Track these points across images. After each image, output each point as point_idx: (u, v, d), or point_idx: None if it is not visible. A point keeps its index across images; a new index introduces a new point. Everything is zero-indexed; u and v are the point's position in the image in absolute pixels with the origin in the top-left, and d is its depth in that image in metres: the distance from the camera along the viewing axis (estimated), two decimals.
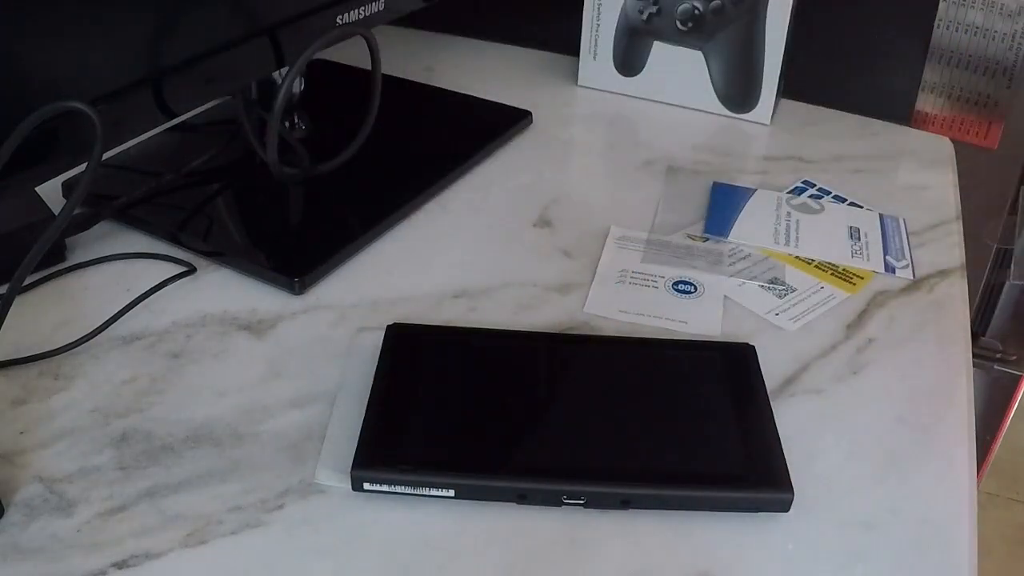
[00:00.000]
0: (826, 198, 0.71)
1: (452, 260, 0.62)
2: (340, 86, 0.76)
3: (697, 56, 0.80)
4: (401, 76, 0.83)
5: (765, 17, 0.77)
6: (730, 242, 0.65)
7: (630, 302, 0.59)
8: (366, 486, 0.44)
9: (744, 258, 0.64)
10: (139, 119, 0.57)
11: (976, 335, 0.95)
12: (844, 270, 0.63)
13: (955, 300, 0.61)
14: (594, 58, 0.84)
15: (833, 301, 0.60)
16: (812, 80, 0.84)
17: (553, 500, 0.45)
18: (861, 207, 0.70)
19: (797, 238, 0.66)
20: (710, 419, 0.48)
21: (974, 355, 0.57)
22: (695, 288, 0.61)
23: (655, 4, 0.80)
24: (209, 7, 0.58)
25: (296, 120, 0.73)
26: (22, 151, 0.47)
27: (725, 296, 0.60)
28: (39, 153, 0.50)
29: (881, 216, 0.69)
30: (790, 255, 0.64)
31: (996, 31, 0.78)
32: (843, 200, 0.71)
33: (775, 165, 0.76)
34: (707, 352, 0.53)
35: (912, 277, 0.63)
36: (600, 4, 0.82)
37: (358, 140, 0.68)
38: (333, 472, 0.46)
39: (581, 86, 0.85)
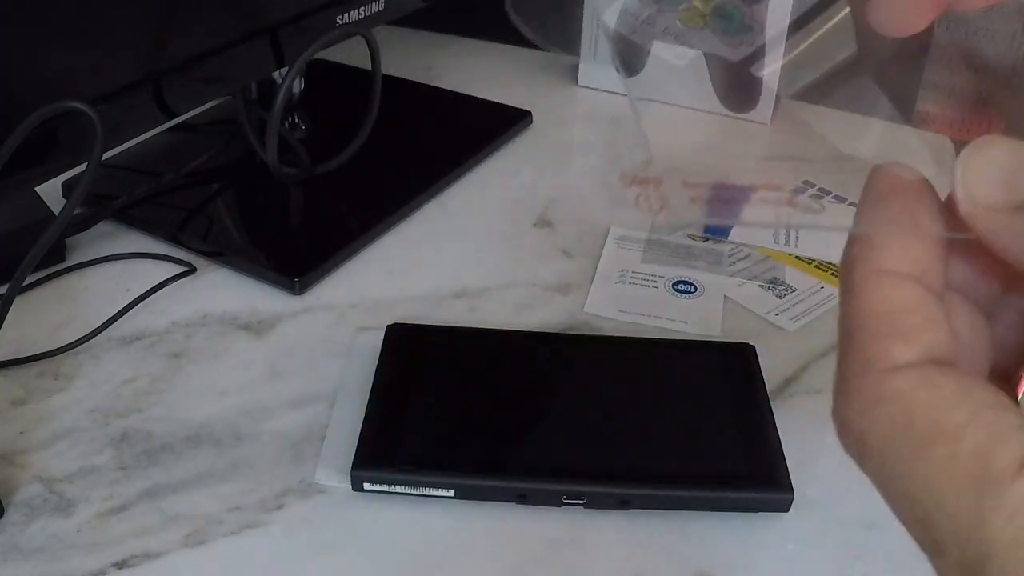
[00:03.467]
0: (826, 198, 0.71)
1: (452, 260, 0.62)
2: (340, 86, 0.76)
3: (697, 56, 0.80)
4: (401, 76, 0.83)
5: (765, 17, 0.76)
6: (730, 242, 0.65)
7: (630, 302, 0.59)
8: (366, 486, 0.44)
9: (744, 258, 0.64)
10: (139, 119, 0.57)
11: None
12: None
13: None
14: (594, 58, 0.84)
15: (833, 301, 0.60)
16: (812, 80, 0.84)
17: (553, 500, 0.45)
18: None
19: (797, 238, 0.66)
20: (710, 419, 0.48)
21: None
22: (695, 288, 0.61)
23: (655, 4, 0.80)
24: (209, 7, 0.58)
25: (296, 120, 0.73)
26: (22, 151, 0.47)
27: (725, 296, 0.60)
28: (39, 153, 0.50)
29: None
30: (790, 255, 0.64)
31: (996, 31, 0.78)
32: (843, 200, 0.70)
33: (775, 165, 0.75)
34: (707, 352, 0.53)
35: None
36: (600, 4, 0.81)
37: (358, 140, 0.68)
38: (333, 472, 0.46)
39: (581, 86, 0.85)
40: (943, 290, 0.20)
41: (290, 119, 0.73)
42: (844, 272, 0.20)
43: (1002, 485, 0.16)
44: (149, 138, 0.70)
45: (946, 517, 0.17)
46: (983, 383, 0.18)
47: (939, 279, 0.20)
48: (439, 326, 0.56)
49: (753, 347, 0.53)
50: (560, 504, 0.45)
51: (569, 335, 0.56)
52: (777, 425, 0.47)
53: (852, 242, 0.20)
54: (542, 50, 0.90)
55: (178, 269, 0.59)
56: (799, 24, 0.27)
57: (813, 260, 0.64)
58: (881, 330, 0.18)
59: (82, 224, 0.61)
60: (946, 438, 0.17)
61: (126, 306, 0.56)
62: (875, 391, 0.18)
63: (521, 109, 0.78)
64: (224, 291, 0.58)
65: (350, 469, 0.44)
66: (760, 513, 0.45)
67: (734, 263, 0.63)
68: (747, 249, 0.65)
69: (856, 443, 0.18)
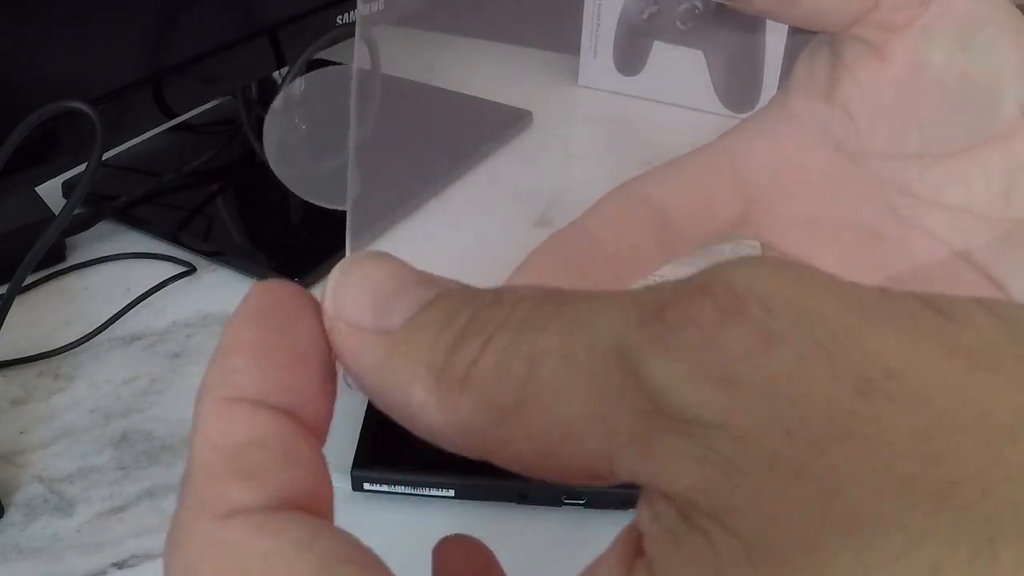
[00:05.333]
0: None
1: (452, 260, 0.62)
2: (340, 86, 0.76)
3: (697, 56, 0.80)
4: (401, 76, 0.83)
5: (766, 16, 0.76)
6: (730, 242, 0.65)
7: None
8: (366, 486, 0.44)
9: None
10: (139, 119, 0.57)
11: None
12: None
13: None
14: (594, 58, 0.84)
15: None
16: None
17: (553, 500, 0.45)
18: None
19: None
20: None
21: None
22: None
23: (655, 4, 0.80)
24: (209, 7, 0.58)
25: (296, 120, 0.73)
26: (22, 151, 0.47)
27: None
28: (39, 153, 0.50)
29: None
30: None
31: None
32: None
33: None
34: None
35: None
36: (600, 4, 0.82)
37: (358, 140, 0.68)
38: (333, 472, 0.45)
39: (581, 86, 0.85)
40: (326, 422, 0.17)
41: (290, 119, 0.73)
42: (196, 402, 0.16)
43: None
44: (149, 138, 0.70)
45: None
46: (339, 532, 0.15)
47: (320, 409, 0.17)
48: None
49: None
50: (560, 504, 0.45)
51: None
52: None
53: (209, 366, 0.16)
54: (542, 50, 0.91)
55: (178, 269, 0.59)
56: None
57: None
58: (220, 468, 0.15)
59: (82, 224, 0.61)
60: None
61: (126, 306, 0.56)
62: (204, 542, 0.14)
63: (521, 109, 0.78)
64: (224, 291, 0.58)
65: (350, 469, 0.44)
66: None
67: None
68: (747, 248, 0.65)
69: None
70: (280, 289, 0.16)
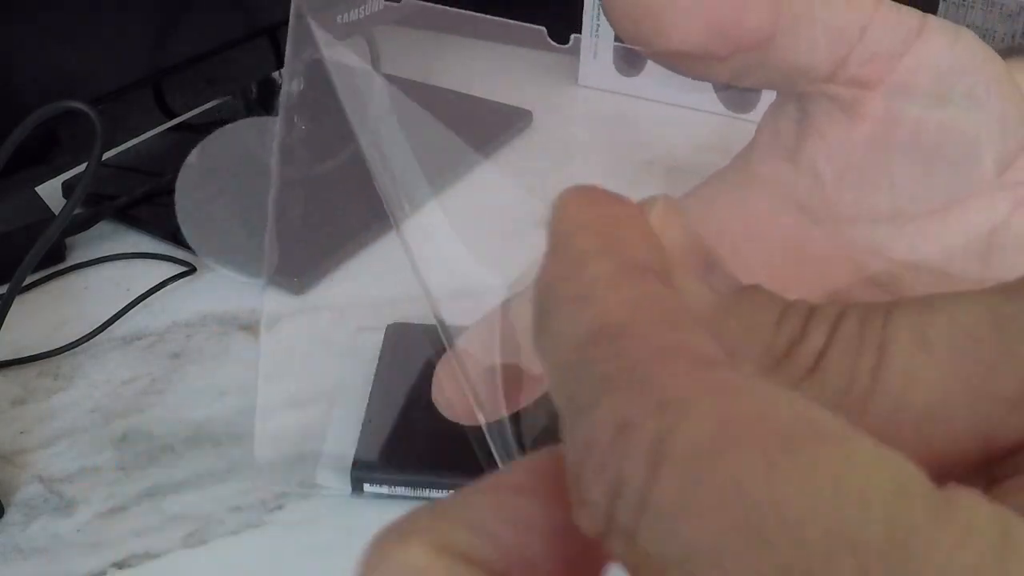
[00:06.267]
0: None
1: (451, 260, 0.62)
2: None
3: None
4: (401, 76, 0.83)
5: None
6: None
7: None
8: (366, 487, 0.44)
9: None
10: (139, 119, 0.57)
11: None
12: None
13: None
14: (594, 58, 0.84)
15: None
16: None
17: None
18: None
19: None
20: None
21: None
22: None
23: None
24: (209, 7, 0.58)
25: (296, 120, 0.73)
26: (22, 151, 0.47)
27: None
28: (39, 153, 0.50)
29: None
30: None
31: (996, 31, 0.78)
32: None
33: None
34: None
35: None
36: (600, 4, 0.82)
37: (358, 140, 0.68)
38: (333, 472, 0.46)
39: (581, 86, 0.85)
40: None
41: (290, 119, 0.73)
42: (578, 266, 0.14)
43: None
44: (149, 138, 0.70)
45: None
46: None
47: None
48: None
49: None
50: None
51: None
52: None
53: (579, 234, 0.15)
54: (542, 50, 0.91)
55: (178, 269, 0.59)
56: None
57: None
58: (681, 326, 0.13)
59: (82, 224, 0.61)
60: (833, 441, 0.11)
61: (126, 306, 0.56)
62: (692, 379, 0.12)
63: (521, 109, 0.78)
64: (224, 291, 0.58)
65: (350, 470, 0.44)
66: None
67: None
68: None
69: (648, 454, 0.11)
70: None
